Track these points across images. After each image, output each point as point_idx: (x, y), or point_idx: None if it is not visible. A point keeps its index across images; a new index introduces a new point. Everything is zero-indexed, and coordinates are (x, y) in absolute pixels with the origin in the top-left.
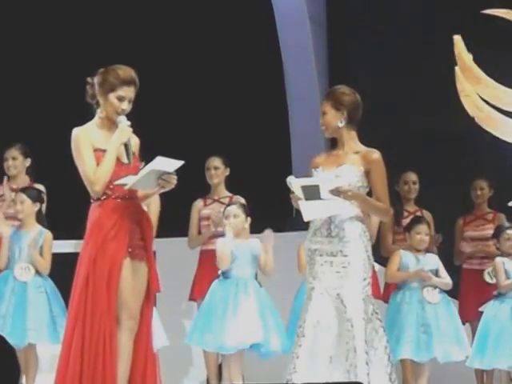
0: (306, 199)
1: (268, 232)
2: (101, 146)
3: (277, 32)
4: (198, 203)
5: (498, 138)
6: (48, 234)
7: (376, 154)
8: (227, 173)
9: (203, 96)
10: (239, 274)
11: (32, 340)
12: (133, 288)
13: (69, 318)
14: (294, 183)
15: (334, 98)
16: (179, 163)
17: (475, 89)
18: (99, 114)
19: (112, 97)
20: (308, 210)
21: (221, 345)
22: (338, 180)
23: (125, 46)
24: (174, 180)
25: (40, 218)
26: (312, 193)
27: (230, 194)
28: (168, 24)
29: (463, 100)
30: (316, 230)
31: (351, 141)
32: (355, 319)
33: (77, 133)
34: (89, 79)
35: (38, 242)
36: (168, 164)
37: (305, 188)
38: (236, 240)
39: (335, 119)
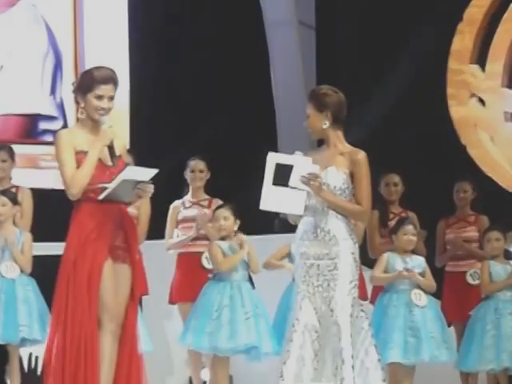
0: (273, 183)
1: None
2: (83, 148)
3: (265, 34)
4: (177, 205)
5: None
6: (28, 233)
7: (360, 155)
8: (208, 176)
9: (188, 96)
10: (232, 276)
11: (25, 335)
12: (114, 290)
13: (52, 320)
14: (271, 159)
15: (317, 99)
16: (153, 172)
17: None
18: (81, 115)
19: (90, 97)
20: (268, 197)
21: (216, 346)
22: (314, 166)
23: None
24: (150, 189)
25: (14, 220)
26: (282, 175)
27: (209, 197)
28: (156, 25)
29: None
30: (303, 233)
31: (337, 141)
32: (342, 322)
33: (59, 134)
34: (73, 83)
35: (18, 242)
36: (141, 173)
37: (278, 167)
38: (226, 242)
39: (319, 121)
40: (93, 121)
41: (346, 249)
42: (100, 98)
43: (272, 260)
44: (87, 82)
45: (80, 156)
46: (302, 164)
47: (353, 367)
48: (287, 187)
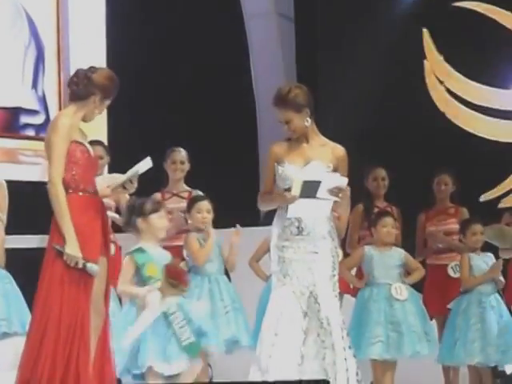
0: (301, 196)
1: (238, 227)
2: (78, 138)
3: (244, 25)
4: (156, 197)
5: (464, 132)
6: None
7: (343, 151)
8: (188, 168)
9: (167, 88)
10: (210, 270)
11: (5, 330)
12: (99, 284)
13: (38, 311)
14: (297, 178)
15: (292, 103)
16: (149, 164)
17: (446, 83)
18: (84, 109)
19: (106, 103)
20: (295, 206)
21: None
22: (341, 179)
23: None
24: (136, 183)
25: None
26: (310, 189)
27: (189, 189)
28: (134, 17)
29: (432, 94)
30: (285, 228)
31: (314, 134)
32: (332, 317)
33: (62, 125)
34: (88, 74)
35: None
36: (144, 166)
37: (306, 184)
38: (202, 235)
39: (302, 121)
40: (89, 118)
41: (329, 243)
42: (105, 107)
43: (254, 264)
44: (112, 90)
45: (75, 146)
46: (330, 179)
47: (345, 359)
48: (314, 198)
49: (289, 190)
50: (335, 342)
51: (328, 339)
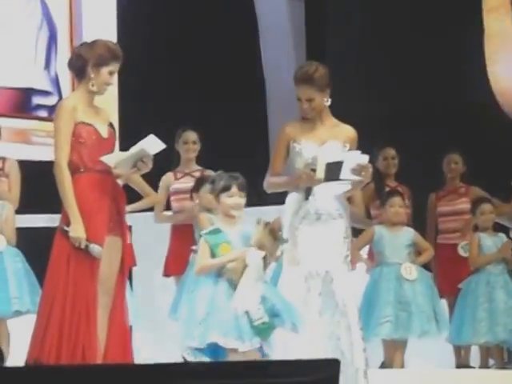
0: (325, 180)
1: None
2: (85, 119)
3: (254, 5)
4: (168, 177)
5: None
6: (10, 205)
7: (355, 132)
8: (200, 147)
9: (176, 70)
10: None
11: (18, 308)
12: (109, 263)
13: (46, 289)
14: (321, 160)
15: (318, 82)
16: (162, 146)
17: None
18: (89, 87)
19: (105, 71)
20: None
21: None
22: (363, 157)
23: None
24: (151, 164)
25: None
26: (333, 171)
27: (201, 168)
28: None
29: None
30: (301, 207)
31: (328, 114)
32: (348, 297)
33: (65, 107)
34: (76, 50)
35: (1, 215)
36: (153, 145)
37: (329, 166)
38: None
39: (323, 101)
40: (96, 93)
41: (342, 223)
42: (112, 73)
43: None
44: (104, 56)
45: (81, 127)
46: (351, 158)
47: (363, 339)
48: (338, 180)
49: (313, 170)
50: (352, 323)
51: (344, 320)
